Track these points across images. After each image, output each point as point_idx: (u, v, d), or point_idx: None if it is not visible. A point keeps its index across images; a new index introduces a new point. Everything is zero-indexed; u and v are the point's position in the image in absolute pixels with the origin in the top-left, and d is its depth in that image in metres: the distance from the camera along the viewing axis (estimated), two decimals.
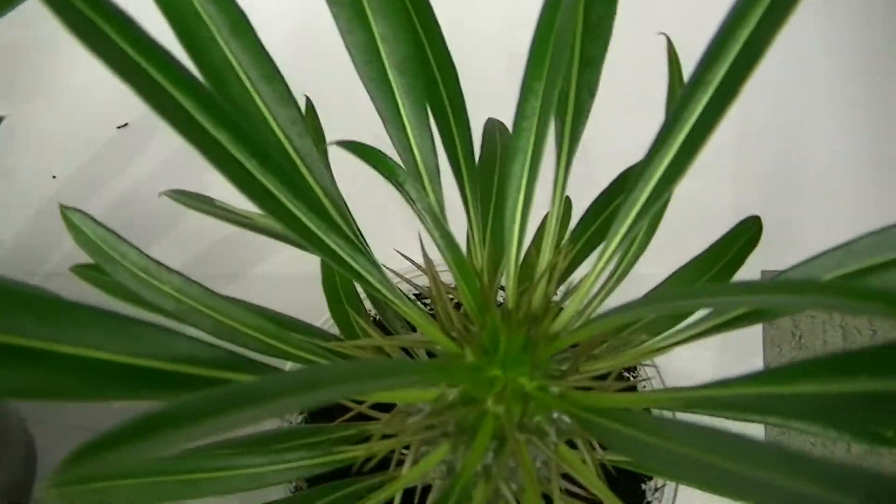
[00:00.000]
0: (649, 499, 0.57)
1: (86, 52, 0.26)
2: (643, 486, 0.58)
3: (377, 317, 0.59)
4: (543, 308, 0.40)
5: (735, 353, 0.77)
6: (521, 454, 0.39)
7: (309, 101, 0.51)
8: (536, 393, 0.38)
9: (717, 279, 0.49)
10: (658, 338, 0.43)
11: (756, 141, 0.87)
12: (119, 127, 0.88)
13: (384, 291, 0.39)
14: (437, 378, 0.36)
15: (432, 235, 0.39)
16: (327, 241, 0.39)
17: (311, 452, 0.42)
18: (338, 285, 0.51)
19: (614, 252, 0.39)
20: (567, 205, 0.55)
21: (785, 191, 0.86)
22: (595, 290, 0.42)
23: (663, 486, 0.56)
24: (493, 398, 0.38)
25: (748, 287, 0.27)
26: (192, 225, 0.82)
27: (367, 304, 0.55)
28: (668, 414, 0.53)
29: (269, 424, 0.55)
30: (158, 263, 0.43)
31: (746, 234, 0.50)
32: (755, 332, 0.79)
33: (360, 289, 0.51)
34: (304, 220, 0.39)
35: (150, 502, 0.41)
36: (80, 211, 0.44)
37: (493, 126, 0.53)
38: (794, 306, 0.27)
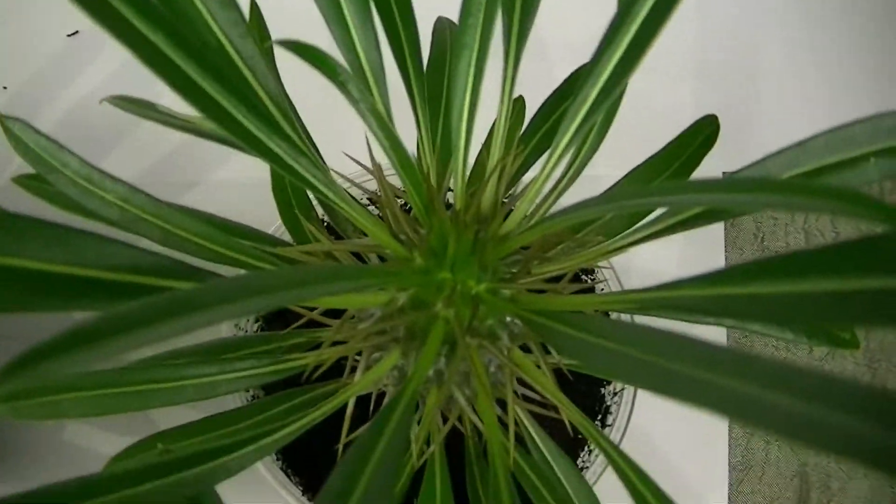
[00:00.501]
0: (608, 402, 0.58)
1: None
2: (602, 391, 0.59)
3: (330, 223, 0.58)
4: (493, 209, 0.39)
5: (697, 255, 0.76)
6: (473, 358, 0.38)
7: (254, 3, 0.49)
8: (486, 296, 0.38)
9: (673, 179, 0.48)
10: (613, 239, 0.42)
11: (715, 41, 0.86)
12: (69, 35, 0.86)
13: (329, 194, 0.39)
14: (385, 282, 0.35)
15: (377, 136, 0.38)
16: (269, 143, 0.38)
17: (261, 361, 0.42)
18: (288, 190, 0.50)
19: (564, 151, 0.39)
20: (521, 104, 0.54)
21: (743, 92, 0.85)
22: (546, 190, 0.41)
23: (622, 389, 0.57)
24: (442, 301, 0.38)
25: (703, 185, 0.26)
26: (148, 133, 0.80)
27: (321, 212, 0.54)
28: (625, 318, 0.53)
29: (226, 333, 0.55)
30: (102, 172, 0.41)
31: (703, 133, 0.50)
32: (717, 234, 0.79)
33: (311, 195, 0.50)
34: (245, 122, 0.38)
35: (100, 414, 0.40)
36: (19, 120, 0.42)
37: (442, 25, 0.52)
38: (750, 205, 0.26)
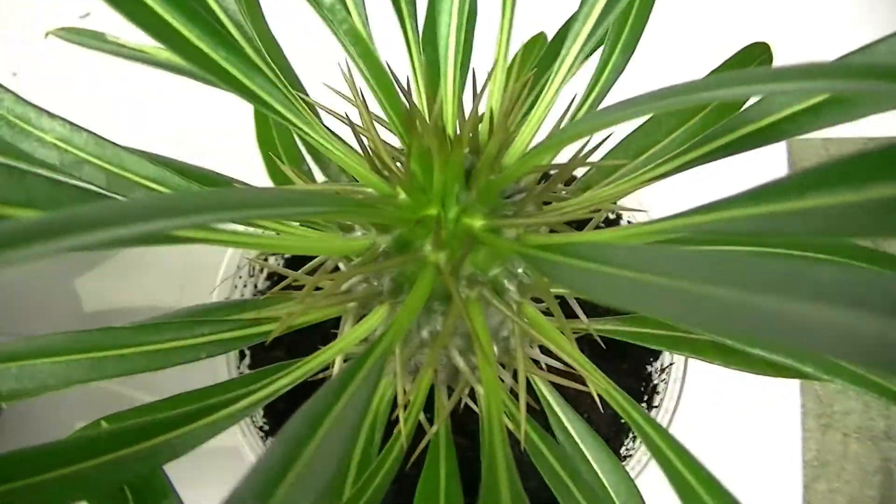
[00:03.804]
0: (655, 381, 0.50)
1: None
2: (648, 369, 0.51)
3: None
4: (492, 133, 0.32)
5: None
6: (469, 313, 0.31)
7: None
8: (485, 235, 0.31)
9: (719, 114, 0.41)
10: (650, 167, 0.35)
11: None
12: (81, 17, 0.81)
13: (297, 122, 0.32)
14: (353, 213, 0.29)
15: (348, 51, 0.31)
16: (226, 65, 0.32)
17: (223, 326, 0.35)
18: (275, 140, 0.44)
19: (578, 61, 0.32)
20: (542, 41, 0.47)
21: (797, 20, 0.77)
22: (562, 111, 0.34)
23: (670, 365, 0.49)
24: (430, 243, 0.31)
25: (816, 70, 0.19)
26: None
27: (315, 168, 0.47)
28: None
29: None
30: (39, 109, 0.36)
31: (755, 61, 0.42)
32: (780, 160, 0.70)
33: (301, 145, 0.44)
34: (204, 47, 0.32)
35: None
36: None
37: None
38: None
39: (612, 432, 0.49)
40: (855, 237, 0.35)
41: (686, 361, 0.48)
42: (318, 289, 0.35)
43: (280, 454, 0.20)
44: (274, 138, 0.44)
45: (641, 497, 0.38)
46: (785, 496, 0.67)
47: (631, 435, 0.49)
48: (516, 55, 0.43)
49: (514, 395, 0.36)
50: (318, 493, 0.20)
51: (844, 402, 0.75)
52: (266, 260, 0.54)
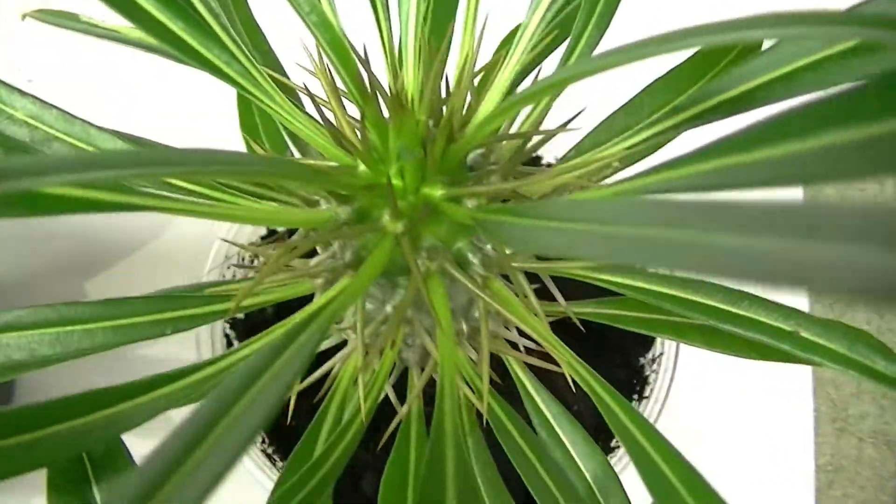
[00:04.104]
0: (647, 373, 0.49)
1: None
2: (640, 360, 0.50)
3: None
4: (459, 98, 0.32)
5: None
6: (427, 284, 0.31)
7: None
8: (445, 205, 0.31)
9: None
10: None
11: None
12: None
13: (254, 90, 0.32)
14: (301, 178, 0.28)
15: (304, 19, 0.31)
16: (191, 42, 0.32)
17: (184, 303, 0.35)
18: (256, 120, 0.44)
19: (541, 25, 0.31)
20: None
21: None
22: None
23: (660, 355, 0.48)
24: (388, 213, 0.30)
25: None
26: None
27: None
28: None
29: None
30: (10, 87, 0.36)
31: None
32: None
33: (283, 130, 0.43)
34: (173, 27, 0.32)
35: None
36: None
37: None
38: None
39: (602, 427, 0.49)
40: (805, 184, 0.34)
41: (677, 351, 0.47)
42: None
43: (208, 411, 0.20)
44: (257, 124, 0.44)
45: (619, 480, 0.37)
46: (798, 499, 0.65)
47: None
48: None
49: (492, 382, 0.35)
50: (242, 449, 0.20)
51: (859, 405, 0.73)
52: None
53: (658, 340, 0.49)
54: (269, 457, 0.49)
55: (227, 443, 0.19)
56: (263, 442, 0.50)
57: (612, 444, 0.48)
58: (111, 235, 0.74)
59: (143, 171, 0.21)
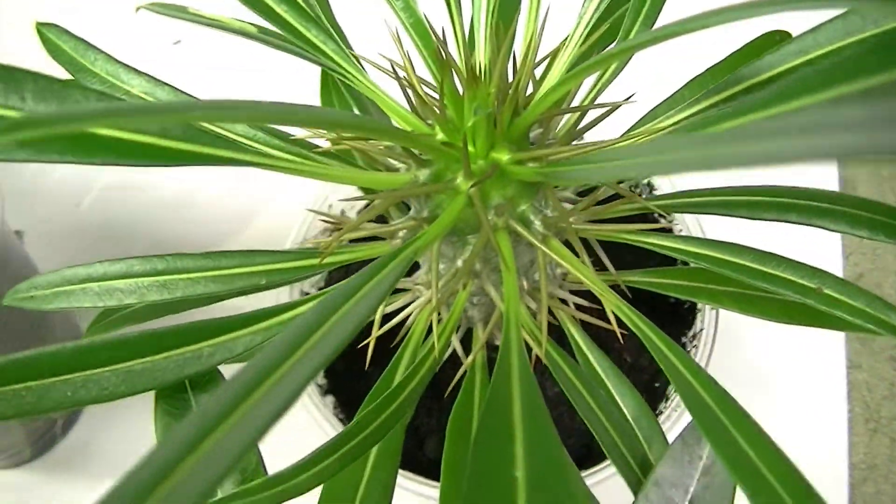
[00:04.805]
0: (688, 349, 0.53)
1: None
2: (682, 340, 0.54)
3: None
4: (524, 75, 0.36)
5: None
6: (495, 236, 0.35)
7: None
8: (511, 167, 0.35)
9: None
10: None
11: None
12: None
13: (347, 67, 0.37)
14: (391, 137, 0.33)
15: (391, 4, 0.35)
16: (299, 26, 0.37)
17: (276, 256, 0.40)
18: (334, 101, 0.48)
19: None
20: None
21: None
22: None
23: (700, 331, 0.52)
24: (462, 173, 0.35)
25: None
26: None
27: None
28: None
29: None
30: (128, 67, 0.41)
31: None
32: None
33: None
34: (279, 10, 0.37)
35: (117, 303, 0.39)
36: (54, 25, 0.42)
37: None
38: None
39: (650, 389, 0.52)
40: None
41: (717, 319, 0.51)
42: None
43: (294, 331, 0.23)
44: (334, 104, 0.48)
45: (664, 434, 0.41)
46: (833, 494, 0.68)
47: (665, 398, 0.52)
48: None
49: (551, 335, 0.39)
50: (323, 366, 0.23)
51: (891, 408, 0.76)
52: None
53: (698, 318, 0.53)
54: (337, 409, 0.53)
55: (313, 358, 0.23)
56: (331, 394, 0.54)
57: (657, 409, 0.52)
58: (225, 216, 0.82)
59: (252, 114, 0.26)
